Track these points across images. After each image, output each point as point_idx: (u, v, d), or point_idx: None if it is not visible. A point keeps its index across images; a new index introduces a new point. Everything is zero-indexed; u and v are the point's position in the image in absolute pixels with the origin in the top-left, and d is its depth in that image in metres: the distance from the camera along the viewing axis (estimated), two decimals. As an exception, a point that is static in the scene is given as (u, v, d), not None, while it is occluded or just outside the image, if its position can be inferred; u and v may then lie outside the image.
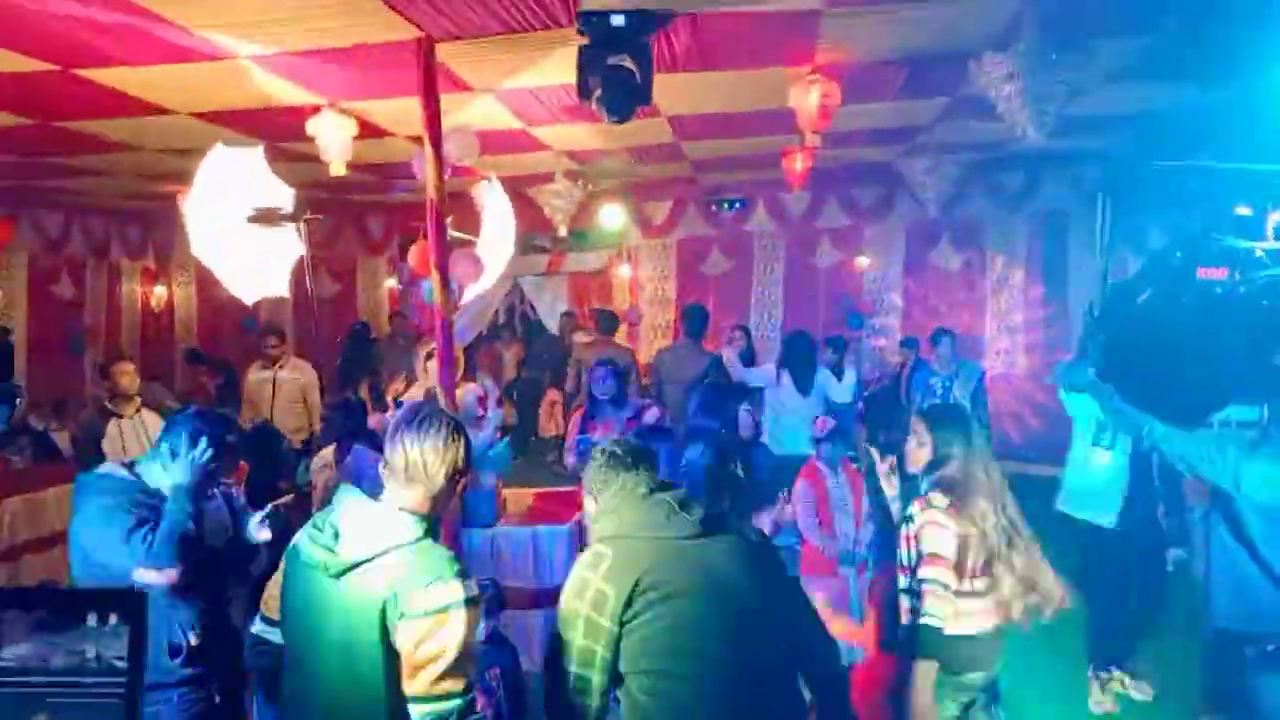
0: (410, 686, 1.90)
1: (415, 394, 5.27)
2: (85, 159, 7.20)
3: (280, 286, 4.27)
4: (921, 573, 2.89)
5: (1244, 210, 6.31)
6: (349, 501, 2.06)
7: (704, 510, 2.25)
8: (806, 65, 5.20)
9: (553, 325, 11.30)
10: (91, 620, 1.09)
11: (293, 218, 4.24)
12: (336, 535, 1.99)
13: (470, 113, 5.83)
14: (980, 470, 2.95)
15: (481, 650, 3.16)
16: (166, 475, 2.67)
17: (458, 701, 1.91)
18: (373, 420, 4.97)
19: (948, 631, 2.86)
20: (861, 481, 4.50)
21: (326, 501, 2.29)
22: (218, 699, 2.72)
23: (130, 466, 2.75)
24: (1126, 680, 4.40)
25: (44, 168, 7.47)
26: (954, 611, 2.86)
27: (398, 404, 5.30)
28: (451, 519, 4.48)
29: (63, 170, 7.64)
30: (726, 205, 10.13)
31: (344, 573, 1.95)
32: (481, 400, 5.24)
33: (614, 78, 3.73)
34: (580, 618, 2.10)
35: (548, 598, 4.92)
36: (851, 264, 10.35)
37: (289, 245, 4.37)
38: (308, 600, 2.00)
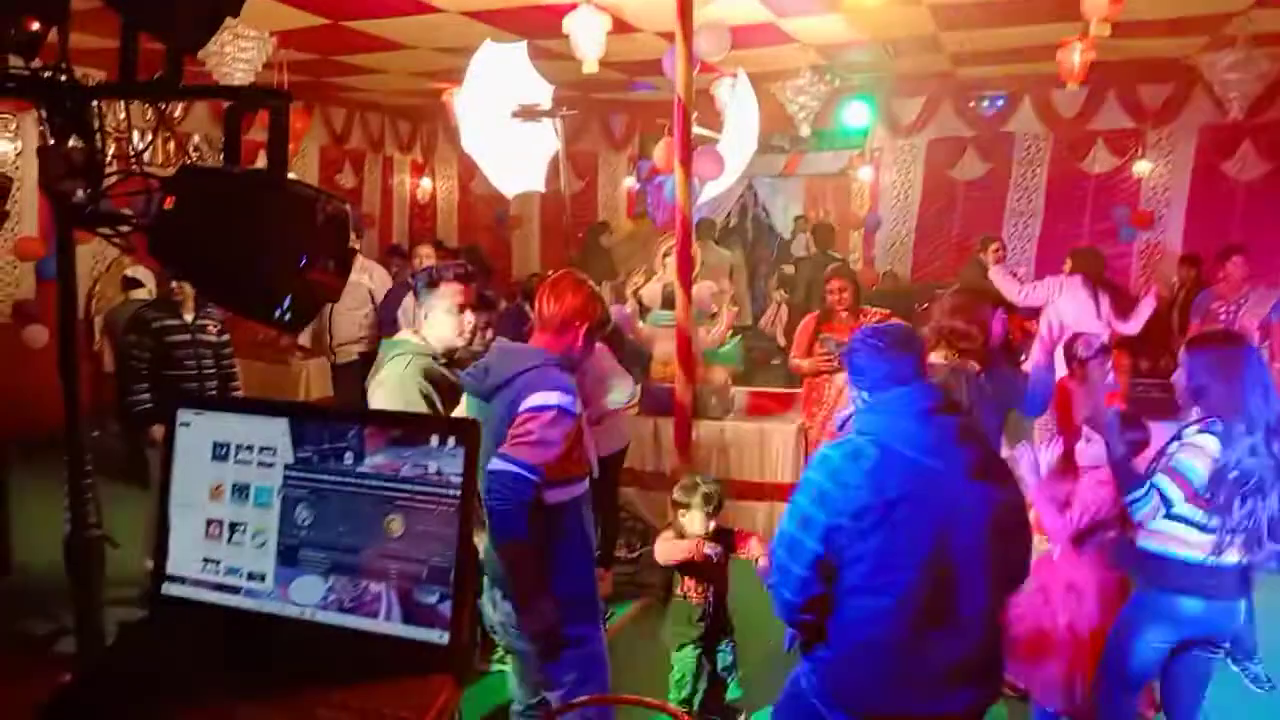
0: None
1: (653, 289, 5.46)
2: (365, 58, 7.86)
3: (538, 181, 4.51)
4: (1158, 481, 2.73)
5: None
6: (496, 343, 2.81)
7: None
8: (1099, -59, 4.64)
9: (785, 229, 11.14)
10: (434, 441, 1.30)
11: (551, 113, 4.43)
12: (486, 369, 2.61)
13: (721, 6, 5.74)
14: (1252, 400, 2.67)
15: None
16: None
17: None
18: (613, 311, 5.22)
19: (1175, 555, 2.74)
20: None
21: None
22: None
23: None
24: None
25: (332, 65, 8.24)
26: (1187, 538, 2.72)
27: (636, 298, 5.52)
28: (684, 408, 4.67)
29: (347, 68, 8.39)
30: (987, 102, 9.35)
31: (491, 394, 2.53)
32: (717, 297, 5.34)
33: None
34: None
35: (773, 491, 5.06)
36: (1128, 171, 9.29)
37: (547, 141, 4.59)
38: None
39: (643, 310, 5.50)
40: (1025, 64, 8.04)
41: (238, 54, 6.10)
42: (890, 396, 2.16)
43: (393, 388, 2.87)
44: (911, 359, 2.23)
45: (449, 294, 2.98)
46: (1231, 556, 2.72)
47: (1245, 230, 8.68)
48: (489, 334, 3.89)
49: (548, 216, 11.42)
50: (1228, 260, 6.32)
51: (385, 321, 5.76)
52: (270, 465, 1.36)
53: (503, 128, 4.44)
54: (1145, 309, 5.87)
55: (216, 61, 6.05)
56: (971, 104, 9.56)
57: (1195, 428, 2.77)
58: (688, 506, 3.33)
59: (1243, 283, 6.26)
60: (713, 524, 3.33)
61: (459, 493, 1.24)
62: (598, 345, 4.58)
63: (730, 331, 5.61)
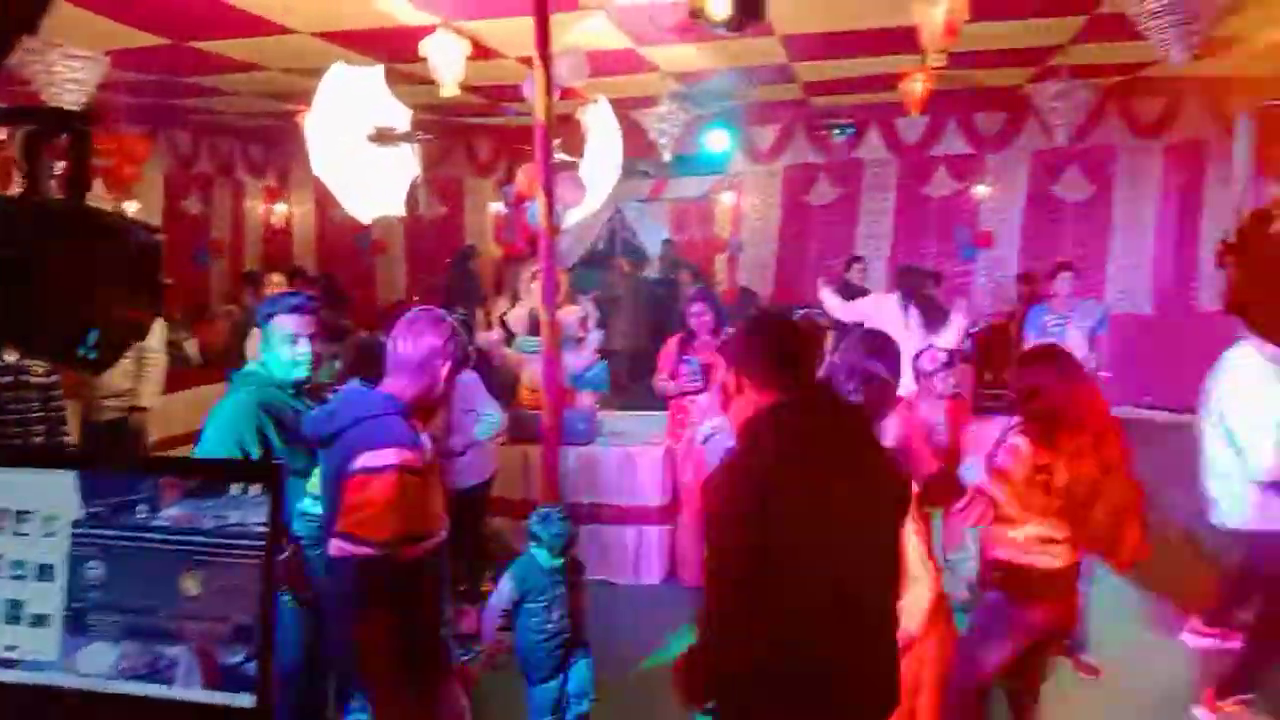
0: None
1: (518, 314, 5.40)
2: (214, 79, 7.50)
3: (396, 206, 4.39)
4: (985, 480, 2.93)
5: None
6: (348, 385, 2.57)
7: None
8: (931, -20, 4.94)
9: (653, 252, 11.29)
10: (236, 489, 1.21)
11: (409, 137, 4.33)
12: (331, 413, 2.42)
13: (580, 32, 5.79)
14: (1075, 407, 2.88)
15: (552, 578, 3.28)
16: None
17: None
18: (480, 338, 5.14)
19: (1017, 563, 2.89)
20: (963, 415, 4.43)
21: None
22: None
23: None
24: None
25: (177, 87, 7.81)
26: (1019, 543, 2.89)
27: (502, 324, 5.46)
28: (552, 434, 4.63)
29: (193, 90, 7.98)
30: (837, 130, 9.79)
31: (329, 440, 2.34)
32: (582, 322, 5.34)
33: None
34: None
35: (640, 514, 5.08)
36: (968, 194, 9.91)
37: (404, 165, 4.48)
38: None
39: (509, 336, 5.44)
40: (871, 93, 8.47)
41: (68, 75, 5.68)
42: (779, 398, 2.02)
43: (223, 420, 2.76)
44: (798, 353, 2.09)
45: (284, 324, 2.87)
46: (1071, 557, 2.91)
47: (1074, 248, 9.43)
48: (337, 365, 3.72)
49: (412, 242, 11.19)
50: (1057, 276, 6.81)
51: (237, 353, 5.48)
52: (52, 535, 1.24)
53: (357, 152, 4.30)
54: (955, 323, 6.12)
55: (45, 82, 5.62)
56: (823, 132, 9.98)
57: (1012, 431, 2.96)
58: (539, 540, 3.30)
59: (1072, 297, 6.75)
60: (559, 560, 3.30)
61: (262, 543, 1.16)
62: (469, 373, 4.51)
63: (599, 356, 5.61)
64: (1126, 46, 5.63)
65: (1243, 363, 3.82)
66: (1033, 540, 2.91)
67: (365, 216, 4.47)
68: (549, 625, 3.28)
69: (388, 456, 2.23)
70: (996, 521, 2.97)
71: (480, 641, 3.80)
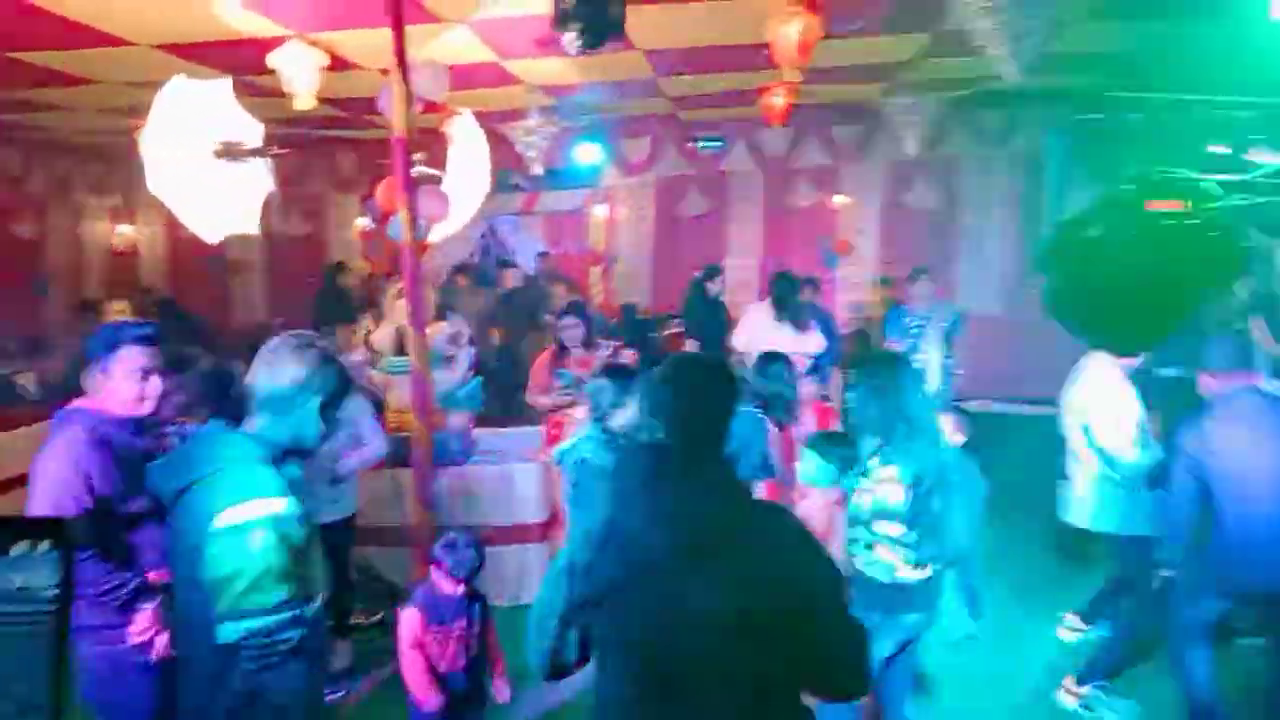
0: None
1: (384, 333, 5.24)
2: (44, 93, 6.97)
3: (248, 224, 4.17)
4: (877, 529, 2.96)
5: (1220, 149, 6.32)
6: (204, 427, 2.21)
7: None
8: (785, -3, 5.09)
9: (528, 266, 11.20)
10: (19, 549, 1.06)
11: (260, 152, 4.13)
12: (181, 461, 2.12)
13: (442, 45, 5.69)
14: (913, 416, 2.97)
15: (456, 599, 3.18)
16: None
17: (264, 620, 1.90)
18: (343, 360, 4.94)
19: (887, 580, 2.97)
20: (832, 422, 4.55)
21: None
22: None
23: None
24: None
25: (2, 102, 7.23)
26: (900, 561, 2.96)
27: (367, 344, 5.27)
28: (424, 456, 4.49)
29: (20, 104, 7.40)
30: (705, 143, 9.98)
31: (179, 495, 2.02)
32: (452, 339, 5.23)
33: (586, 7, 3.63)
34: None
35: (520, 533, 4.99)
36: (829, 204, 10.29)
37: (257, 182, 4.27)
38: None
39: (375, 357, 5.26)
40: (736, 107, 8.68)
41: None
42: (641, 449, 1.91)
43: (54, 467, 2.52)
44: (682, 403, 1.88)
45: (130, 357, 2.65)
46: (932, 568, 3.01)
47: (927, 253, 9.91)
48: (179, 399, 3.46)
49: (273, 261, 10.72)
50: (916, 281, 7.14)
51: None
52: None
53: (202, 169, 4.07)
54: (817, 329, 6.44)
55: None
56: (691, 144, 10.16)
57: (873, 463, 2.99)
58: (441, 566, 3.19)
59: (929, 299, 7.09)
60: (461, 588, 3.20)
61: (52, 608, 1.01)
62: (357, 399, 4.31)
63: (473, 373, 5.51)
64: (969, 61, 5.94)
65: (1097, 373, 4.09)
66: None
67: (212, 236, 4.24)
68: (454, 659, 3.18)
69: (253, 510, 1.95)
70: None
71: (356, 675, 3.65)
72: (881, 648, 3.03)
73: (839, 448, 3.25)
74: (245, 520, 1.92)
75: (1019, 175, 9.69)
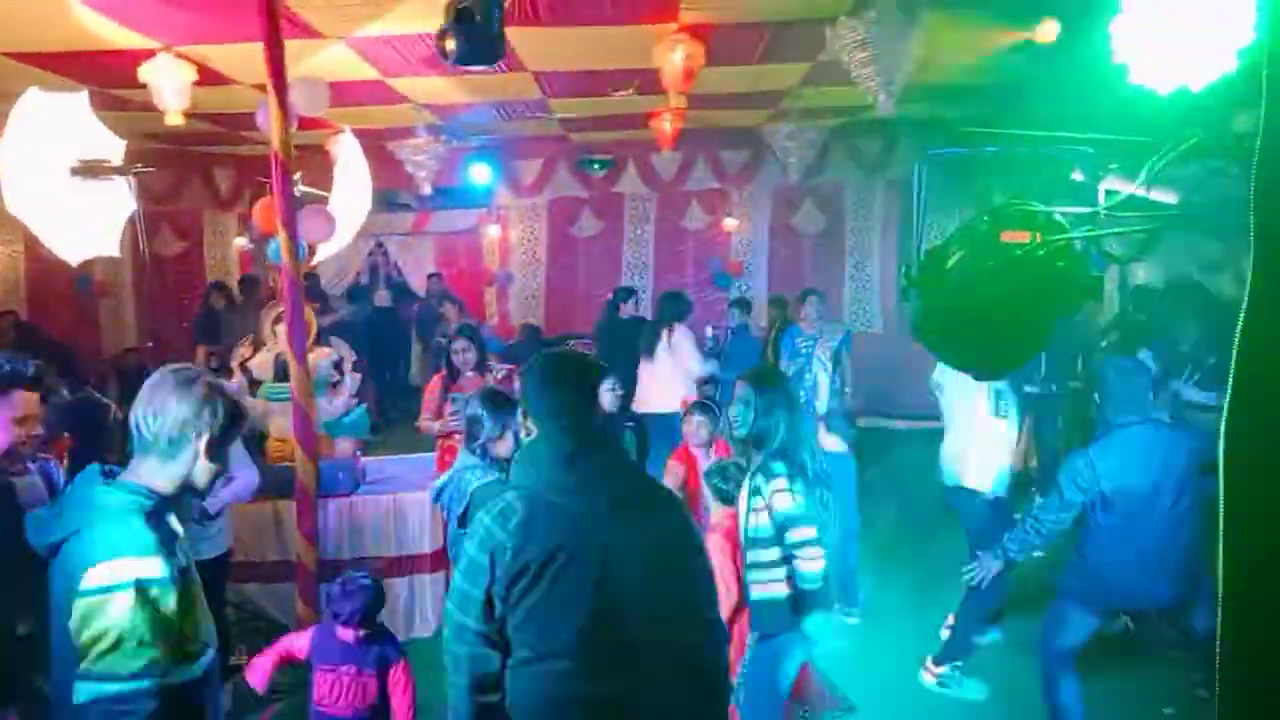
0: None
1: (263, 360, 5.04)
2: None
3: (109, 245, 3.94)
4: (792, 537, 3.00)
5: (1079, 177, 6.76)
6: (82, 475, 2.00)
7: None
8: (671, 23, 5.19)
9: (419, 286, 11.00)
10: None
11: (121, 171, 3.92)
12: (58, 513, 1.95)
13: (321, 61, 5.54)
14: (787, 427, 3.08)
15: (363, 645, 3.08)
16: None
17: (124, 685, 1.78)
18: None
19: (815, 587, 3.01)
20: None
21: None
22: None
23: None
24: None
25: None
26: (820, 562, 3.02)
27: (244, 370, 5.06)
28: (307, 487, 4.33)
29: None
30: (597, 166, 10.04)
31: (55, 549, 1.88)
32: (337, 365, 5.07)
33: (465, 27, 3.61)
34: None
35: (410, 564, 4.85)
36: (719, 226, 10.50)
37: (120, 201, 4.05)
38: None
39: (253, 384, 5.04)
40: (627, 131, 8.78)
41: None
42: (542, 435, 2.09)
43: None
44: (568, 389, 2.13)
45: (14, 404, 2.47)
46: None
47: (814, 273, 10.24)
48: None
49: (144, 282, 10.16)
50: (805, 301, 7.35)
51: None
52: None
53: (61, 187, 3.83)
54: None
55: None
56: (583, 167, 10.19)
57: (761, 479, 3.05)
58: (338, 615, 3.08)
59: (819, 319, 7.29)
60: (355, 634, 3.09)
61: None
62: None
63: (357, 400, 5.35)
64: (847, 90, 6.18)
65: None
66: None
67: (74, 258, 3.99)
68: (340, 702, 3.06)
69: (120, 571, 1.79)
70: None
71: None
72: (794, 661, 3.10)
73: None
74: (110, 582, 1.78)
75: (895, 200, 10.13)
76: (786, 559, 3.02)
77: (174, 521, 2.00)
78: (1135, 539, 3.40)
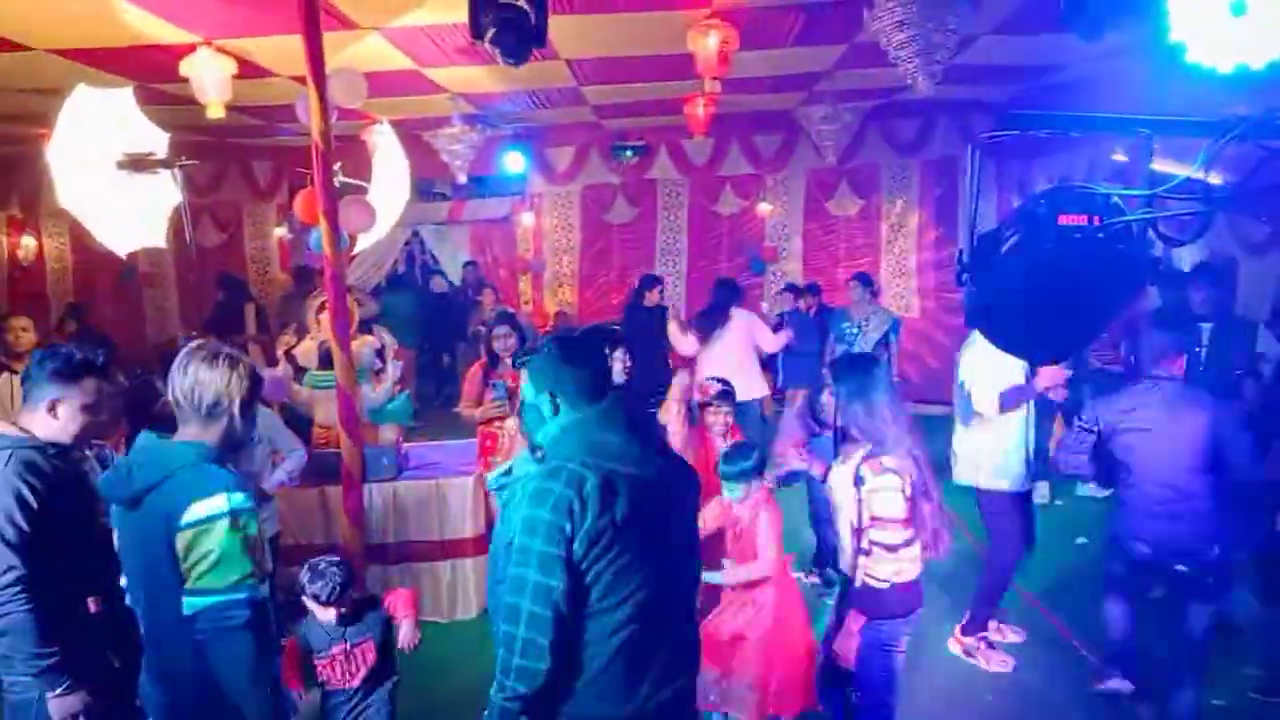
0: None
1: (308, 348, 5.11)
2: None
3: (156, 237, 4.03)
4: (872, 535, 3.03)
5: (1120, 157, 6.62)
6: (141, 439, 2.32)
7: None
8: (704, 9, 5.16)
9: (455, 275, 11.08)
10: None
11: (167, 163, 3.99)
12: (129, 470, 2.24)
13: (358, 52, 5.59)
14: (892, 419, 3.05)
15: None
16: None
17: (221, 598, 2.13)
18: (265, 374, 4.80)
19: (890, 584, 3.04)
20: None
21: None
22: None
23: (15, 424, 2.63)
24: (1004, 629, 4.58)
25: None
26: (895, 570, 3.03)
27: (289, 358, 5.14)
28: (352, 472, 4.40)
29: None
30: (629, 152, 10.01)
31: (134, 500, 2.20)
32: (379, 353, 5.13)
33: (507, 18, 3.62)
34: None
35: (454, 548, 4.92)
36: (753, 211, 10.43)
37: (165, 193, 4.13)
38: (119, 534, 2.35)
39: (298, 372, 5.12)
40: (660, 117, 8.75)
41: None
42: (592, 413, 2.11)
43: None
44: (605, 369, 2.22)
45: (86, 391, 2.60)
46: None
47: (849, 258, 10.16)
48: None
49: (187, 273, 10.36)
50: (850, 285, 7.29)
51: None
52: None
53: (109, 181, 3.92)
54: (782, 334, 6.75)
55: None
56: (615, 154, 10.17)
57: (869, 469, 3.03)
58: (306, 593, 3.14)
59: (865, 304, 7.22)
60: (336, 612, 3.14)
61: None
62: (264, 411, 4.19)
63: (400, 387, 5.41)
64: (883, 72, 6.11)
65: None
66: None
67: (122, 250, 4.09)
68: (344, 677, 3.14)
69: (218, 504, 2.15)
70: None
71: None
72: (898, 646, 3.13)
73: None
74: (210, 513, 2.13)
75: (932, 183, 9.99)
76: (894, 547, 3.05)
77: (232, 468, 2.30)
78: (1148, 493, 3.57)
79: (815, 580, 5.17)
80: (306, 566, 3.18)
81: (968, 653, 4.40)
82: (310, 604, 3.13)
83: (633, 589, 2.02)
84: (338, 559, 3.25)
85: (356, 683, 3.16)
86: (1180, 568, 3.49)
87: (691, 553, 2.27)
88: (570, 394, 2.13)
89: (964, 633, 4.46)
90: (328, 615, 3.11)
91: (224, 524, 2.13)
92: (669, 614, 2.12)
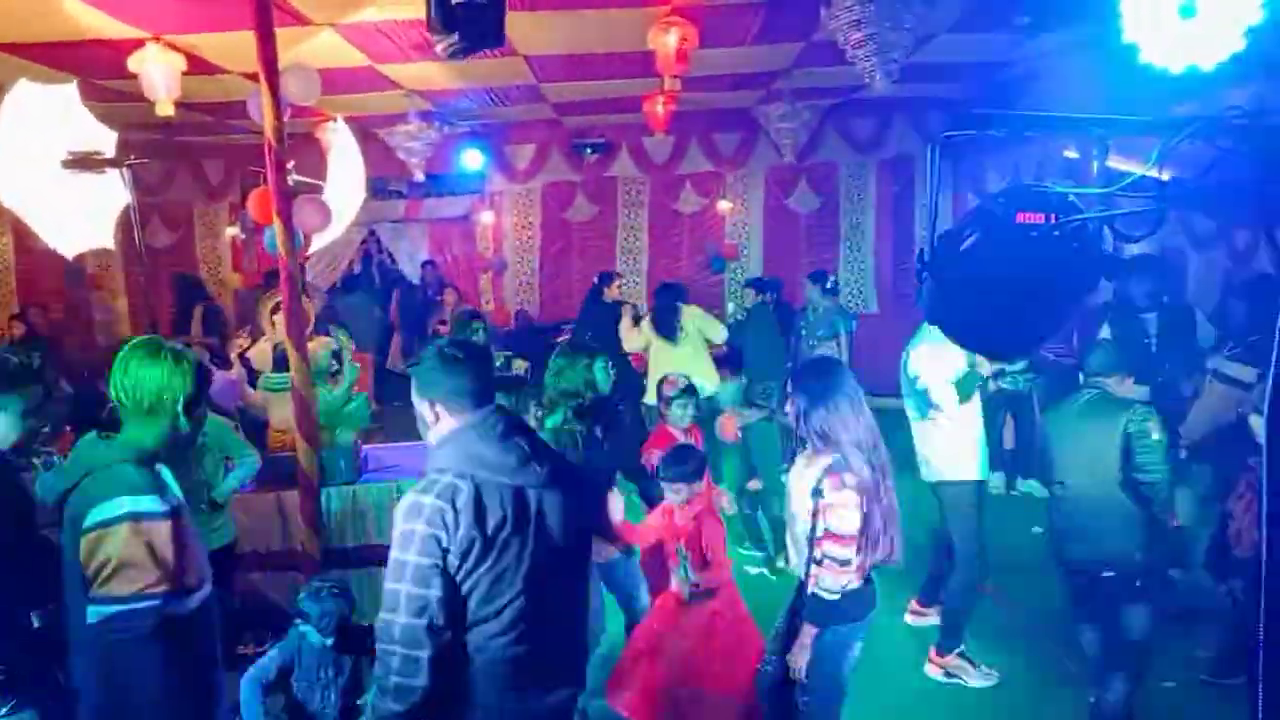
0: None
1: (262, 349, 5.02)
2: None
3: (104, 238, 3.93)
4: (825, 548, 2.99)
5: (1071, 154, 6.75)
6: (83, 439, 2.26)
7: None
8: (664, 6, 5.16)
9: (413, 274, 10.95)
10: None
11: (114, 163, 3.89)
12: (59, 471, 2.26)
13: (311, 48, 5.49)
14: (852, 423, 3.03)
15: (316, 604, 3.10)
16: None
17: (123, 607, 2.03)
18: (217, 377, 4.71)
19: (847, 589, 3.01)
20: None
21: None
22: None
23: None
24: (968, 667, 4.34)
25: None
26: (846, 581, 2.99)
27: (243, 361, 5.05)
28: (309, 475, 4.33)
29: None
30: (589, 150, 9.98)
31: (62, 499, 2.15)
32: (337, 355, 5.06)
33: (464, 14, 3.57)
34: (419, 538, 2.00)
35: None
36: (714, 209, 10.46)
37: (113, 193, 4.02)
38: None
39: (252, 375, 5.03)
40: (620, 114, 8.73)
41: None
42: (471, 422, 2.13)
43: None
44: (487, 377, 2.22)
45: (24, 398, 2.59)
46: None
47: (809, 256, 10.23)
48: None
49: (136, 274, 10.11)
50: (812, 284, 7.37)
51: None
52: None
53: (53, 179, 3.81)
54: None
55: None
56: (576, 151, 10.13)
57: (829, 484, 2.98)
58: (307, 618, 3.08)
59: (824, 302, 7.31)
60: (330, 640, 3.09)
61: None
62: (217, 418, 4.09)
63: (357, 388, 5.34)
64: (841, 71, 6.16)
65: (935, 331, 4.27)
66: None
67: (69, 251, 3.97)
68: (313, 709, 3.07)
69: (117, 506, 2.05)
70: None
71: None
72: (857, 648, 3.14)
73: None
74: (109, 516, 2.03)
75: (889, 181, 10.11)
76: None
77: (163, 470, 2.23)
78: (1075, 499, 3.59)
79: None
80: (307, 586, 3.11)
81: (948, 674, 4.28)
82: (303, 625, 3.06)
83: (510, 598, 2.04)
84: (341, 586, 3.18)
85: (336, 714, 3.10)
86: (1108, 574, 3.47)
87: (578, 561, 2.27)
88: (449, 403, 2.13)
89: (940, 653, 4.31)
90: (324, 642, 3.05)
91: (123, 528, 2.03)
92: (549, 623, 2.13)
